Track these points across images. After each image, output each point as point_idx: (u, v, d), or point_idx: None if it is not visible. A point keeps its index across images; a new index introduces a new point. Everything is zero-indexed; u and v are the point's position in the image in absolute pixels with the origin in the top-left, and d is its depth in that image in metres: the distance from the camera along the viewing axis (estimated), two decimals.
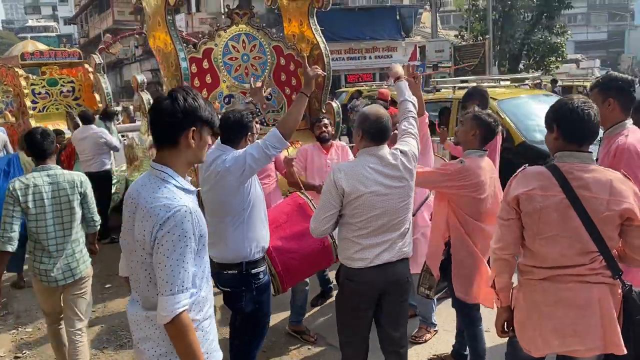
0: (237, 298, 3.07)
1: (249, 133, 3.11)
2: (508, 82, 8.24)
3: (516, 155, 6.08)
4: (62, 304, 3.52)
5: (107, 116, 7.68)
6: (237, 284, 3.04)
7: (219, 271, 3.02)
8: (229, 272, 3.03)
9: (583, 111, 2.17)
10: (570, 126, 2.20)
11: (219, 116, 5.48)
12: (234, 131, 3.07)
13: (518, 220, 2.25)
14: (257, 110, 3.63)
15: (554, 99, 9.16)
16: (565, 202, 2.14)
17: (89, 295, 3.58)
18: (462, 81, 8.40)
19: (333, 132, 4.99)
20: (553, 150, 2.27)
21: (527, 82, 8.60)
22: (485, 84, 7.74)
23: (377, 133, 2.78)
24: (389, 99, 8.31)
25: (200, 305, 1.99)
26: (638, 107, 2.97)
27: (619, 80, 2.78)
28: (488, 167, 3.22)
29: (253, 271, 3.05)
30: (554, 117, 2.25)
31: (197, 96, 1.97)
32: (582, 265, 2.16)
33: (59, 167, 3.50)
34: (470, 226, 3.16)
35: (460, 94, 6.85)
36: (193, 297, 1.91)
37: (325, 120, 4.75)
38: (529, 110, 7.03)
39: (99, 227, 3.66)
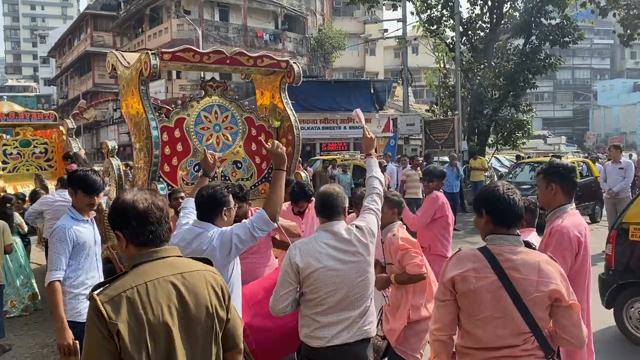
0: None
1: (225, 208, 3.00)
2: None
3: None
4: None
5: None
6: None
7: None
8: None
9: (509, 197, 2.32)
10: (498, 211, 2.33)
11: (186, 184, 5.47)
12: (208, 207, 2.98)
13: (454, 302, 2.32)
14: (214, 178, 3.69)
15: None
16: (497, 283, 2.22)
17: None
18: None
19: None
20: (483, 233, 2.40)
21: None
22: None
23: (322, 208, 2.89)
24: None
25: (76, 284, 3.35)
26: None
27: (561, 167, 2.99)
28: None
29: None
30: (483, 203, 2.39)
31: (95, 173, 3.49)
32: (516, 346, 2.22)
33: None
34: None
35: None
36: (63, 275, 3.28)
37: None
38: None
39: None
